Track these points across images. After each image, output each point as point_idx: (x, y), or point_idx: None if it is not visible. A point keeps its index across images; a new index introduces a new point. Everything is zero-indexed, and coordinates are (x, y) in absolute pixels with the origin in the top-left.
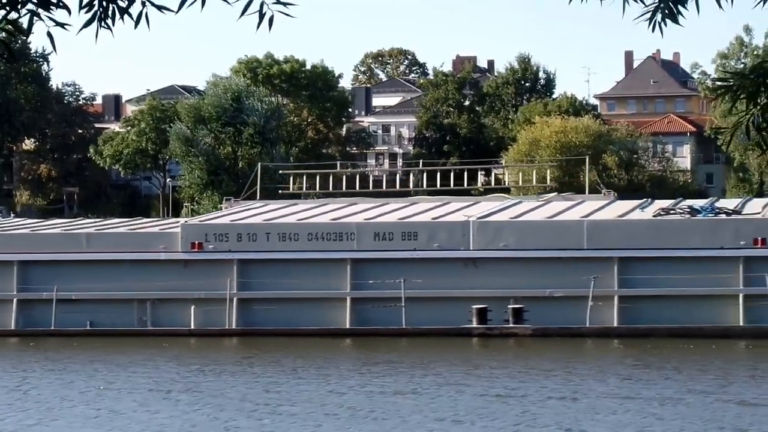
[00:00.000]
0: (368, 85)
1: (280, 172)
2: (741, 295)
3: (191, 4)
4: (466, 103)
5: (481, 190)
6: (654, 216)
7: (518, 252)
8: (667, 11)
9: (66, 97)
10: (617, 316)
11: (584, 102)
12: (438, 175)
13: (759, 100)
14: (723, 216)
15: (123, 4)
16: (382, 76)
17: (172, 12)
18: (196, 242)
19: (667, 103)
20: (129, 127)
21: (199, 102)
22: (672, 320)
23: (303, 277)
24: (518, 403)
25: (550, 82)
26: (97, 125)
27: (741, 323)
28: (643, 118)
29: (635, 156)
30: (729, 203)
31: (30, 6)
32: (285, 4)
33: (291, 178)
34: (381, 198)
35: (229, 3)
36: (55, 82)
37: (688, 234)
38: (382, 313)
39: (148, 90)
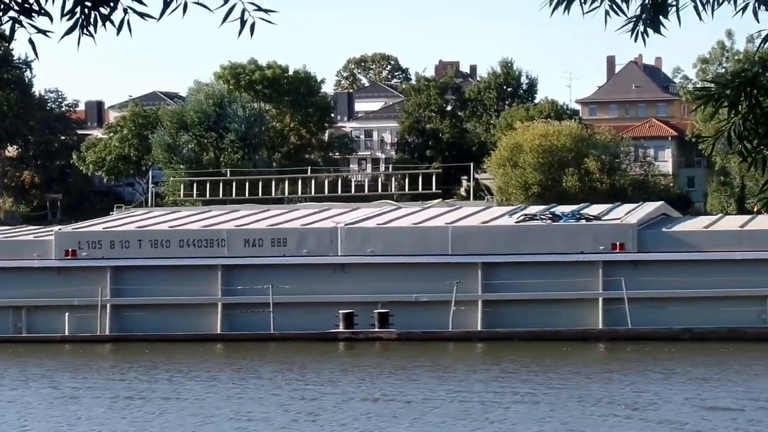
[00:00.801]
0: (351, 91)
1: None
2: (600, 299)
3: (173, 11)
4: (449, 108)
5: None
6: (517, 222)
7: (385, 258)
8: (649, 21)
9: (49, 104)
10: (480, 320)
11: (566, 107)
12: (420, 179)
13: (740, 108)
14: (584, 222)
15: (105, 12)
16: (365, 82)
17: (154, 19)
18: (70, 250)
19: (648, 107)
20: (112, 134)
21: (182, 108)
22: (534, 324)
23: (175, 284)
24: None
25: (532, 87)
26: (79, 132)
27: (600, 326)
28: (624, 123)
29: (617, 160)
30: (596, 209)
31: (12, 13)
32: (266, 11)
33: (182, 186)
34: (274, 204)
35: (210, 10)
36: (38, 88)
37: (550, 239)
38: (252, 318)
39: (131, 96)
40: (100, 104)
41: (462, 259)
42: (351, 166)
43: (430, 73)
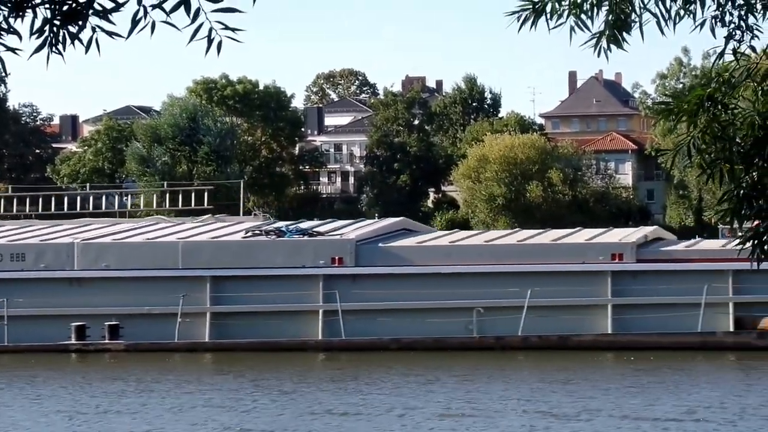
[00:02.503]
0: (320, 105)
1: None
2: (320, 311)
3: (141, 30)
4: (416, 122)
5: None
6: (244, 237)
7: (118, 272)
8: (612, 37)
9: (23, 118)
10: (209, 331)
11: (531, 120)
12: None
13: (698, 123)
14: (306, 237)
15: (73, 30)
16: (334, 96)
17: (122, 38)
18: None
19: (609, 121)
20: (86, 147)
21: (156, 122)
22: (260, 335)
23: None
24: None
25: (496, 102)
26: (54, 145)
27: (319, 337)
28: (586, 136)
29: (579, 173)
30: (319, 225)
31: None
32: (233, 30)
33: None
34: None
35: (178, 29)
36: (12, 103)
37: (275, 254)
38: None
39: (105, 110)
40: (74, 118)
41: (191, 272)
42: (321, 179)
43: (397, 88)
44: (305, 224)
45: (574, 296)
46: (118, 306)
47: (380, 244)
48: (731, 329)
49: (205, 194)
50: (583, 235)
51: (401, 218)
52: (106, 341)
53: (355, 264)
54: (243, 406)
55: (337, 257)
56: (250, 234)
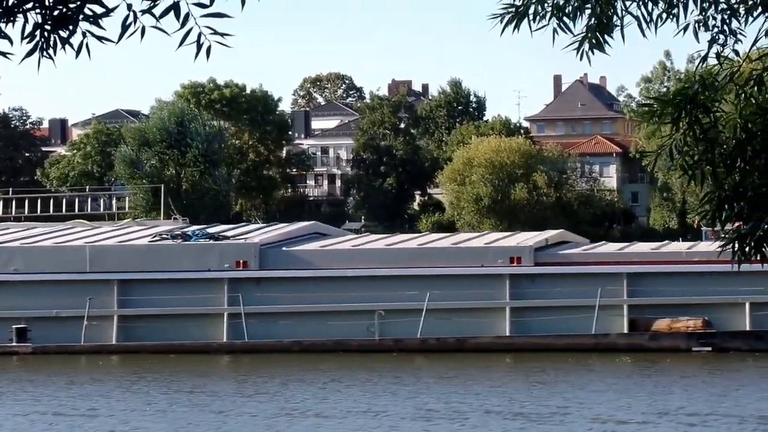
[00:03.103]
0: (307, 109)
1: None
2: (225, 314)
3: (131, 35)
4: (402, 125)
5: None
6: (151, 241)
7: (26, 275)
8: (594, 41)
9: (13, 122)
10: (116, 334)
11: (518, 124)
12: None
13: (681, 125)
14: (211, 241)
15: (64, 35)
16: (321, 100)
17: (112, 42)
18: None
19: (593, 125)
20: (75, 151)
21: (144, 125)
22: (167, 338)
23: None
24: None
25: (481, 105)
26: (43, 149)
27: (225, 339)
28: (571, 140)
29: (564, 176)
30: (228, 230)
31: None
32: (222, 35)
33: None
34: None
35: (167, 34)
36: (2, 106)
37: (181, 257)
38: None
39: (94, 114)
40: (63, 122)
41: (99, 276)
42: (308, 182)
43: (383, 91)
44: (216, 228)
45: (472, 299)
46: (26, 309)
47: (284, 248)
48: (625, 331)
49: (126, 199)
50: (484, 239)
51: (313, 222)
52: (14, 344)
53: (259, 267)
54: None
55: (241, 261)
56: (157, 238)
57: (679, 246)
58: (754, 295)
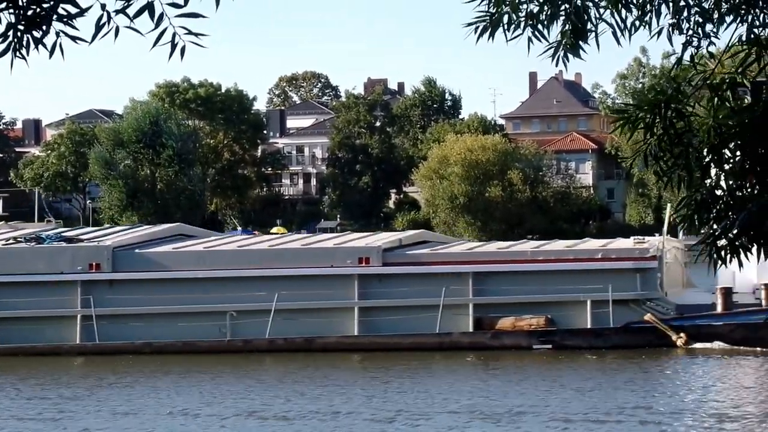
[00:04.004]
0: (282, 108)
1: None
2: (78, 316)
3: (105, 35)
4: (377, 124)
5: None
6: (4, 244)
7: None
8: (569, 45)
9: None
10: None
11: (493, 122)
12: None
13: (655, 131)
14: (64, 244)
15: (38, 35)
16: (296, 99)
17: (86, 42)
18: None
19: (569, 121)
20: (49, 151)
21: (119, 125)
22: (20, 340)
23: None
24: None
25: (456, 103)
26: (17, 149)
27: (78, 341)
28: (546, 137)
29: (540, 173)
30: (87, 233)
31: None
32: (197, 35)
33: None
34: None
35: (142, 34)
36: None
37: (34, 260)
38: None
39: (68, 114)
40: (37, 122)
41: None
42: (284, 181)
43: (359, 90)
44: (75, 231)
45: (321, 299)
46: None
47: (137, 250)
48: (471, 330)
49: (0, 201)
50: (333, 240)
51: (177, 224)
52: None
53: (112, 270)
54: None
55: (94, 263)
56: (11, 241)
57: (526, 245)
58: (595, 294)
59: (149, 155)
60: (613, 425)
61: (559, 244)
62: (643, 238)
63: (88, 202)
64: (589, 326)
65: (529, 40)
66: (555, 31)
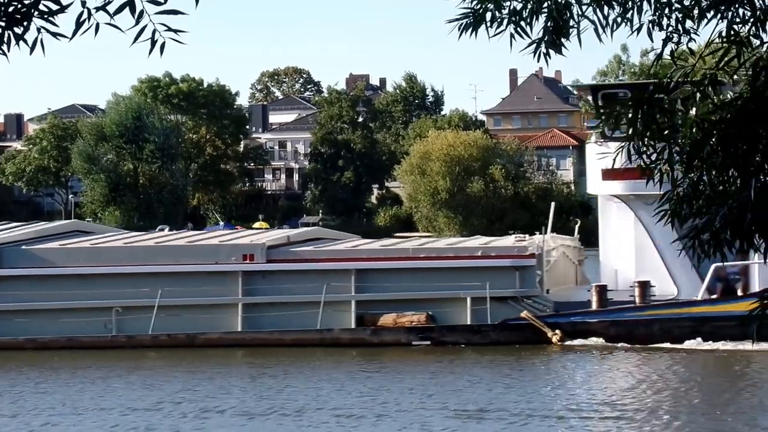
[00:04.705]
0: (265, 103)
1: None
2: None
3: (85, 31)
4: (360, 119)
5: (375, 203)
6: None
7: None
8: (550, 43)
9: None
10: None
11: (474, 117)
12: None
13: (638, 127)
14: None
15: (18, 31)
16: (278, 94)
17: (66, 38)
18: None
19: (550, 118)
20: (31, 146)
21: (101, 120)
22: None
23: None
24: None
25: (438, 99)
26: None
27: None
28: (527, 133)
29: (521, 169)
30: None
31: None
32: (176, 31)
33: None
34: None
35: (122, 31)
36: None
37: None
38: None
39: (50, 109)
40: (19, 117)
41: None
42: (266, 176)
43: (341, 86)
44: None
45: (206, 296)
46: None
47: (23, 247)
48: (353, 326)
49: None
50: (218, 237)
51: (74, 221)
52: None
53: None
54: None
55: None
56: None
57: (408, 243)
58: (474, 291)
59: (132, 150)
60: (482, 422)
61: (441, 242)
62: (524, 237)
63: (70, 196)
64: (468, 323)
65: (512, 36)
66: (537, 28)
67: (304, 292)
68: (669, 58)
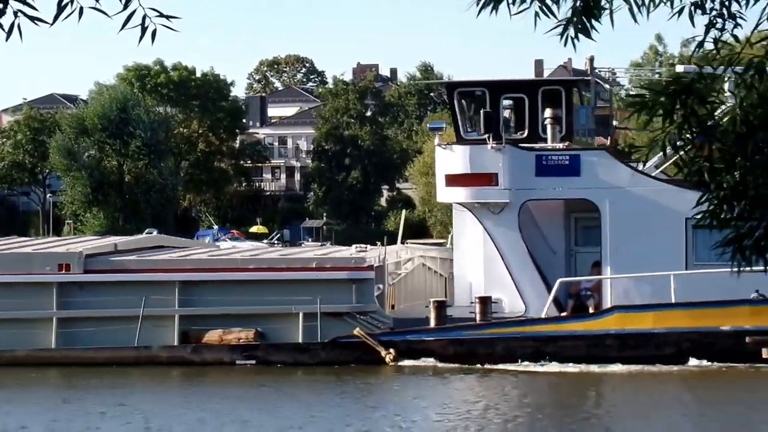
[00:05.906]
0: (263, 95)
1: None
2: None
3: (68, 16)
4: (368, 113)
5: (384, 205)
6: None
7: None
8: (580, 25)
9: None
10: None
11: None
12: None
13: (675, 118)
14: None
15: None
16: (278, 85)
17: (47, 24)
18: None
19: None
20: (4, 139)
21: (82, 111)
22: None
23: None
24: None
25: None
26: None
27: None
28: None
29: None
30: None
31: None
32: (168, 17)
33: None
34: None
35: (108, 16)
36: None
37: None
38: None
39: (25, 99)
40: None
41: None
42: (264, 175)
43: (348, 76)
44: None
45: (18, 309)
46: None
47: None
48: (176, 343)
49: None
50: (32, 245)
51: None
52: None
53: None
54: None
55: None
56: None
57: (239, 253)
58: (307, 306)
59: (116, 145)
60: None
61: (274, 253)
62: (366, 247)
63: (48, 196)
64: (300, 340)
65: (536, 15)
66: (565, 8)
67: (122, 305)
68: (711, 43)
